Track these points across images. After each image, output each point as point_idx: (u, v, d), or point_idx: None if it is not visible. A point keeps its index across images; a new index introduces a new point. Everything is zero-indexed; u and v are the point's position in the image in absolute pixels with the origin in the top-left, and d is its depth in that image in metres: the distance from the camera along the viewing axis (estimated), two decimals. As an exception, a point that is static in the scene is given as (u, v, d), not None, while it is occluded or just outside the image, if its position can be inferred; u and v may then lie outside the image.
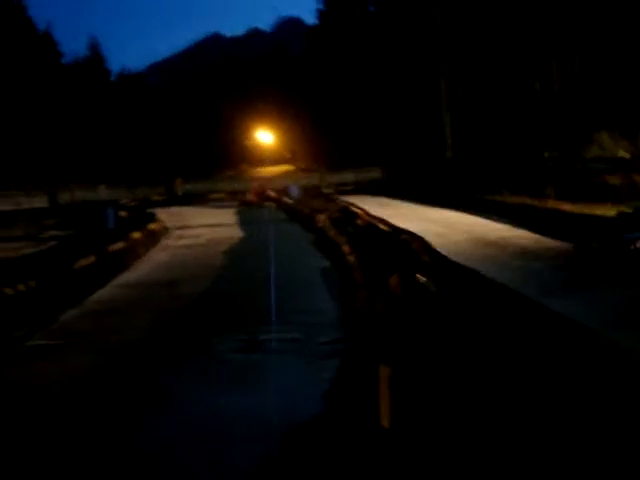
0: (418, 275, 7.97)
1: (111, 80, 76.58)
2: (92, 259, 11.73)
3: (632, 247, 9.94)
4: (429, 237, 15.08)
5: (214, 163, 73.70)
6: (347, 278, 9.28)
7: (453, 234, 15.96)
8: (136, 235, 16.60)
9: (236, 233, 20.49)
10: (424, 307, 6.66)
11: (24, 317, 8.56)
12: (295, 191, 33.79)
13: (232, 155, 78.14)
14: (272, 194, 34.38)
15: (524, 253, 12.43)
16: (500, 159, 28.72)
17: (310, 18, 62.86)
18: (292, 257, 13.65)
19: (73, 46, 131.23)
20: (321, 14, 56.36)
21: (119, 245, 14.35)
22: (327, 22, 55.23)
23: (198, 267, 13.42)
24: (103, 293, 10.75)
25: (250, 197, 35.17)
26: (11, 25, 49.53)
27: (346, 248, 11.03)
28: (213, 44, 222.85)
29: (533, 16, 29.47)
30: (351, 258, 9.60)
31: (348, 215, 20.48)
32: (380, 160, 44.49)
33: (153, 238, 18.63)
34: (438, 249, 11.82)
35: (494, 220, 18.12)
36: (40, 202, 34.67)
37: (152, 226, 19.68)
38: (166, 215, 28.58)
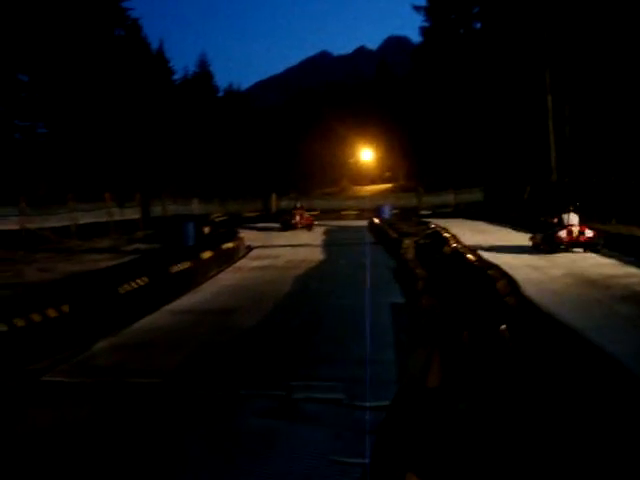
0: (496, 327, 6.54)
1: (218, 96, 78.05)
2: (145, 280, 10.84)
3: None
4: (523, 270, 13.57)
5: (314, 180, 73.57)
6: (416, 323, 7.89)
7: (551, 268, 14.22)
8: (207, 254, 15.74)
9: (318, 255, 19.41)
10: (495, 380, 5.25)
11: (48, 347, 7.71)
12: (386, 212, 32.53)
13: (333, 172, 77.87)
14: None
15: (635, 298, 10.57)
16: (610, 185, 26.40)
17: (416, 36, 61.58)
18: (365, 289, 12.34)
19: (184, 62, 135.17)
20: (425, 32, 54.91)
21: (185, 265, 13.49)
22: (431, 40, 53.78)
23: (264, 293, 12.35)
24: (149, 320, 9.81)
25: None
26: (127, 44, 50.97)
27: (421, 284, 9.61)
28: (321, 62, 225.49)
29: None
30: (425, 300, 8.19)
31: (437, 241, 19.01)
32: (481, 182, 42.59)
33: (228, 257, 17.79)
34: (529, 289, 10.27)
35: (600, 253, 16.17)
36: (132, 214, 34.86)
37: (229, 244, 18.82)
38: (252, 232, 27.96)
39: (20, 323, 7.61)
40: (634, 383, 5.60)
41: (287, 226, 30.25)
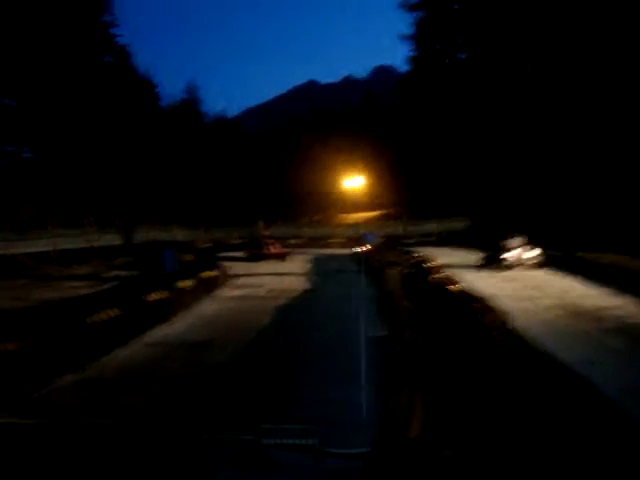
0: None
1: (206, 122, 77.88)
2: (116, 312, 10.38)
3: None
4: (513, 302, 13.21)
5: (301, 207, 73.30)
6: (399, 362, 7.46)
7: (541, 299, 13.85)
8: (186, 283, 15.29)
9: (301, 284, 18.97)
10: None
11: (5, 384, 7.22)
12: (372, 240, 32.13)
13: (320, 200, 77.61)
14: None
15: (627, 330, 10.21)
16: (596, 212, 26.23)
17: (403, 66, 61.88)
18: (347, 320, 11.92)
19: (173, 89, 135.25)
20: (411, 61, 55.17)
21: (160, 295, 13.02)
22: (417, 69, 54.06)
23: (241, 325, 11.90)
24: (118, 354, 9.34)
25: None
26: (115, 70, 50.84)
27: (404, 317, 9.19)
28: (309, 90, 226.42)
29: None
30: (408, 335, 7.76)
31: (421, 271, 18.63)
32: (465, 210, 42.44)
33: (208, 286, 17.31)
34: (518, 321, 9.90)
35: (590, 282, 15.83)
36: (113, 240, 34.31)
37: (210, 273, 18.38)
38: (236, 260, 27.51)
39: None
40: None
41: (256, 257, 27.76)
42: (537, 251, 20.75)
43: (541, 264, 20.13)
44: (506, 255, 20.67)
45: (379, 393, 6.90)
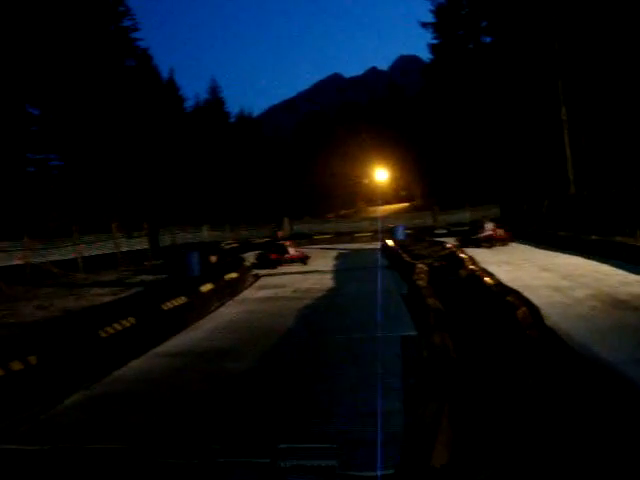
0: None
1: (230, 122, 77.92)
2: (132, 321, 9.97)
3: None
4: (545, 292, 12.59)
5: (328, 202, 73.01)
6: (425, 369, 6.91)
7: (574, 288, 13.14)
8: (208, 287, 14.88)
9: (327, 283, 18.49)
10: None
11: (9, 406, 6.83)
12: (401, 233, 31.58)
13: (347, 194, 77.25)
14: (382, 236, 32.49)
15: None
16: (635, 196, 25.33)
17: (426, 54, 61.06)
18: (375, 320, 11.39)
19: (196, 90, 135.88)
20: (434, 49, 54.31)
21: (180, 301, 12.61)
22: (440, 57, 53.18)
23: (264, 330, 11.39)
24: (132, 367, 8.91)
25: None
26: (138, 74, 50.99)
27: (432, 317, 8.63)
28: (333, 84, 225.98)
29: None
30: (437, 338, 7.20)
31: (453, 262, 18.04)
32: (497, 198, 41.59)
33: (232, 288, 16.91)
34: (551, 313, 9.30)
35: (627, 270, 15.11)
36: (141, 244, 34.19)
37: (233, 275, 17.94)
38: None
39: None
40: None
41: (268, 262, 24.18)
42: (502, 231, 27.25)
43: (505, 242, 26.62)
44: (478, 235, 26.78)
45: (407, 401, 6.37)
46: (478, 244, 26.07)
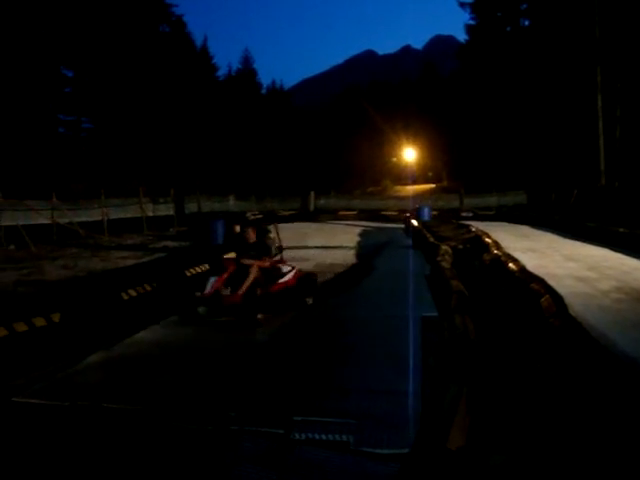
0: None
1: (262, 93, 77.70)
2: (154, 285, 10.03)
3: None
4: (569, 281, 12.42)
5: (356, 179, 72.77)
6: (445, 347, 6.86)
7: (600, 280, 12.95)
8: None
9: (350, 259, 18.44)
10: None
11: (31, 361, 6.93)
12: (426, 213, 31.39)
13: (375, 171, 76.88)
14: (407, 215, 32.36)
15: None
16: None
17: (462, 35, 60.23)
18: (396, 297, 11.35)
19: (228, 59, 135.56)
20: (471, 30, 53.51)
21: (203, 268, 12.66)
22: (477, 38, 52.42)
23: (284, 302, 11.39)
24: (152, 331, 8.95)
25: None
26: (172, 40, 50.96)
27: (455, 299, 8.56)
28: (367, 61, 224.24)
29: None
30: (458, 320, 7.14)
31: (477, 246, 17.89)
32: (525, 184, 41.14)
33: (254, 259, 16.89)
34: (575, 303, 9.18)
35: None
36: (166, 210, 34.38)
37: (257, 246, 17.92)
38: (285, 231, 27.01)
39: (1, 333, 6.85)
40: None
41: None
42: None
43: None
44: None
45: (426, 381, 6.35)
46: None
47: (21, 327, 7.20)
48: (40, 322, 7.35)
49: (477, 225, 26.30)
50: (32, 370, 6.92)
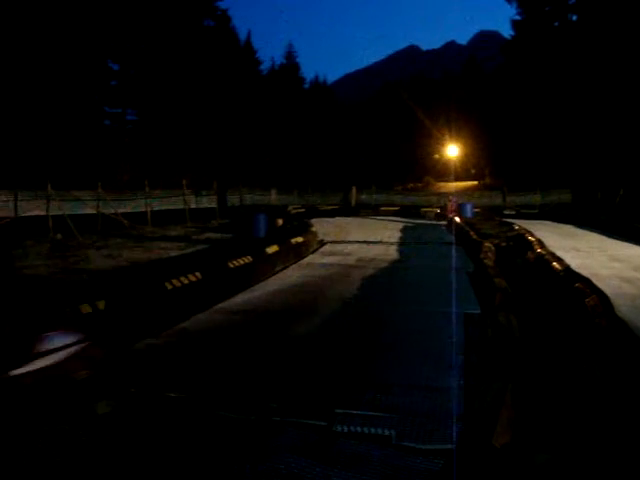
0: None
1: (304, 88, 77.80)
2: (198, 276, 10.14)
3: None
4: (614, 282, 12.19)
5: (398, 174, 72.47)
6: (489, 347, 6.80)
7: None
8: (273, 249, 14.99)
9: (392, 254, 18.39)
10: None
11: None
12: (469, 210, 31.12)
13: (418, 167, 76.44)
14: (449, 212, 32.15)
15: None
16: None
17: (507, 31, 59.46)
18: (437, 294, 11.29)
19: (272, 53, 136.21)
20: (517, 25, 52.69)
21: (246, 260, 12.75)
22: (523, 34, 51.57)
23: (326, 296, 11.42)
24: (196, 321, 9.08)
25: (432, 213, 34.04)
26: (216, 34, 51.33)
27: (499, 297, 8.48)
28: (410, 56, 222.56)
29: None
30: (502, 318, 7.08)
31: (520, 244, 17.69)
32: (570, 183, 40.46)
33: (297, 252, 17.01)
34: (620, 304, 9.01)
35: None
36: (209, 202, 34.68)
37: (299, 239, 18.03)
38: (327, 226, 27.22)
39: (49, 319, 6.99)
40: None
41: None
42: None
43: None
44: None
45: (468, 378, 6.30)
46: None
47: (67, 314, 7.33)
48: (86, 309, 7.48)
49: (520, 223, 25.97)
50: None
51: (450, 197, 36.83)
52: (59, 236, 22.91)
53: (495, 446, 3.64)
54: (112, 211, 27.61)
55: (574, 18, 47.96)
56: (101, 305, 7.62)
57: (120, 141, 43.20)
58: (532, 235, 19.30)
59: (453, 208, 31.92)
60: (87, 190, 27.57)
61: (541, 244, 17.01)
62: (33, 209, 24.32)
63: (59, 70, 36.77)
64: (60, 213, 24.48)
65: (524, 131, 48.29)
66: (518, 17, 52.32)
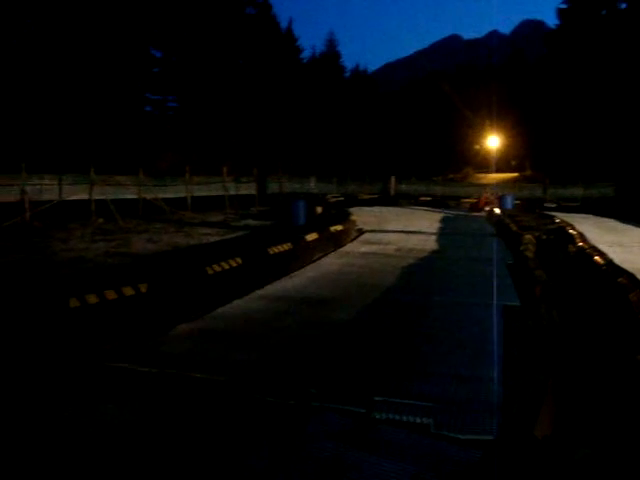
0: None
1: (345, 77, 77.54)
2: (238, 261, 10.24)
3: None
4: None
5: (437, 165, 71.97)
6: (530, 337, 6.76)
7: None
8: (313, 236, 15.06)
9: (431, 244, 18.31)
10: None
11: (121, 328, 7.22)
12: (509, 202, 30.80)
13: (458, 158, 75.77)
14: (488, 203, 31.89)
15: None
16: None
17: (552, 20, 58.38)
18: (476, 285, 11.22)
19: (312, 41, 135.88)
20: (562, 14, 51.68)
21: (285, 247, 12.84)
22: (568, 23, 50.58)
23: (366, 284, 11.44)
24: (236, 306, 9.18)
25: (468, 204, 33.54)
26: (257, 22, 51.43)
27: (539, 290, 8.41)
28: (451, 45, 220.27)
29: None
30: (544, 310, 7.02)
31: (561, 237, 17.46)
32: (613, 176, 39.71)
33: (336, 240, 17.06)
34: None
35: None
36: (248, 189, 34.87)
37: (338, 227, 18.08)
38: (366, 215, 27.18)
39: (92, 300, 7.14)
40: None
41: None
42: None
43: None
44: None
45: (506, 370, 6.27)
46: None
47: (111, 295, 7.49)
48: (129, 291, 7.62)
49: (561, 216, 25.62)
50: (123, 336, 7.21)
51: (486, 189, 36.44)
52: (101, 220, 23.28)
53: (537, 437, 3.63)
54: (153, 196, 27.93)
55: (623, 6, 46.87)
56: (143, 288, 7.74)
57: (162, 128, 43.64)
58: (573, 228, 19.03)
59: (489, 200, 31.67)
60: (129, 175, 27.92)
61: (583, 238, 16.77)
62: (76, 193, 24.73)
63: (103, 57, 37.23)
64: (102, 197, 24.86)
65: (567, 123, 47.50)
66: (564, 5, 51.34)
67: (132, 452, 4.49)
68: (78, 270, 11.27)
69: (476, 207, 32.53)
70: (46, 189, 23.85)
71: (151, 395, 5.62)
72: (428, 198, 40.16)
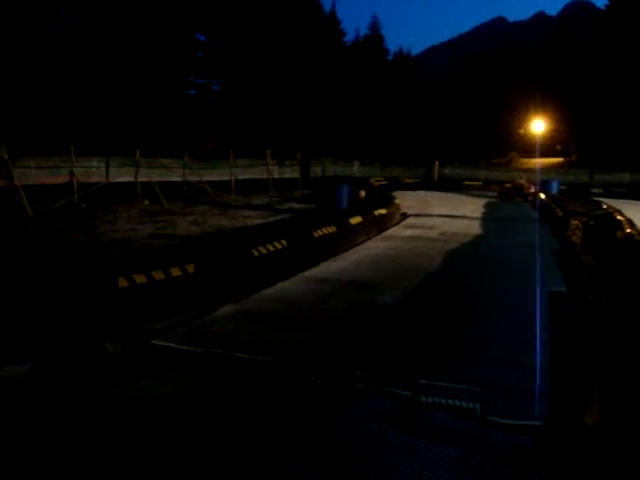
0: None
1: (388, 60, 76.92)
2: (283, 244, 10.33)
3: None
4: None
5: (481, 149, 71.13)
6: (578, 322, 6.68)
7: None
8: (357, 220, 15.08)
9: (475, 229, 18.16)
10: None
11: (168, 308, 7.35)
12: (554, 187, 30.31)
13: (502, 142, 74.75)
14: (531, 189, 31.36)
15: None
16: None
17: (601, 0, 56.94)
18: (521, 272, 11.11)
19: (356, 24, 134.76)
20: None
21: (330, 230, 12.89)
22: (618, 3, 49.31)
23: (410, 267, 11.42)
24: (281, 287, 9.26)
25: (507, 189, 32.63)
26: (300, 5, 51.35)
27: (587, 275, 8.29)
28: (496, 28, 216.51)
29: None
30: (592, 296, 6.92)
31: (609, 224, 17.12)
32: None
33: (380, 224, 17.05)
34: None
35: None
36: (291, 173, 34.98)
37: (382, 211, 18.05)
38: (409, 199, 27.05)
39: (141, 280, 7.27)
40: None
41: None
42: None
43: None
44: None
45: (554, 357, 6.21)
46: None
47: (159, 275, 7.62)
48: (176, 272, 7.75)
49: (608, 202, 25.12)
50: (169, 316, 7.34)
51: (522, 175, 35.82)
52: (147, 202, 23.62)
53: (587, 424, 3.60)
54: (197, 179, 28.23)
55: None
56: (190, 269, 7.85)
57: (206, 111, 43.95)
58: (621, 214, 18.64)
59: (525, 187, 31.01)
60: (174, 158, 28.23)
61: (631, 224, 16.43)
62: (123, 175, 25.13)
63: (149, 42, 37.58)
64: (148, 180, 25.20)
65: (614, 107, 46.46)
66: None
67: (164, 425, 4.58)
68: (125, 251, 11.50)
69: (506, 196, 31.14)
70: (93, 171, 24.28)
71: (194, 373, 5.72)
72: (473, 182, 39.77)
